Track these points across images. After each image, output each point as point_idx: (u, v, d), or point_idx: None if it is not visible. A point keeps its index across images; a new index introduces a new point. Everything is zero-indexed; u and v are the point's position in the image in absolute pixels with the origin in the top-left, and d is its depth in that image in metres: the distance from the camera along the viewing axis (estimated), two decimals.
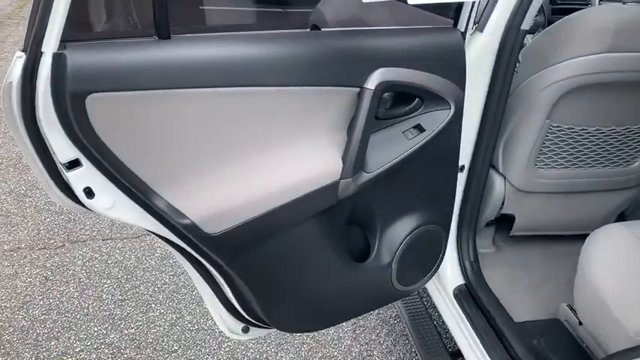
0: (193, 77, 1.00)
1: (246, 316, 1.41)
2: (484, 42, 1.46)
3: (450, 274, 1.77)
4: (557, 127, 1.65)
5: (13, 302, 2.27)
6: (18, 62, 0.88)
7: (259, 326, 1.47)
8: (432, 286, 1.85)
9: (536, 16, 2.43)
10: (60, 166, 1.02)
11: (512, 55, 1.45)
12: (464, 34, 1.33)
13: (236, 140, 1.10)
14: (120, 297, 2.33)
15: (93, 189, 1.04)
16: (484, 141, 1.60)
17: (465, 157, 1.64)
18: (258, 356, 2.07)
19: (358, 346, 2.14)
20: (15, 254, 2.56)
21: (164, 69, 0.97)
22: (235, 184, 1.12)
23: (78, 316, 2.21)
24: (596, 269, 1.32)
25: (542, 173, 1.75)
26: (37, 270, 2.46)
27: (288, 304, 1.35)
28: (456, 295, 1.72)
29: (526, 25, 1.43)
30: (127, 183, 1.04)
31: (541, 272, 1.86)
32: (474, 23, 1.51)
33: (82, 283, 2.40)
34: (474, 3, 1.29)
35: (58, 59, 0.88)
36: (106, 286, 2.39)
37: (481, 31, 1.46)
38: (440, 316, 1.82)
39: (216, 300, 1.39)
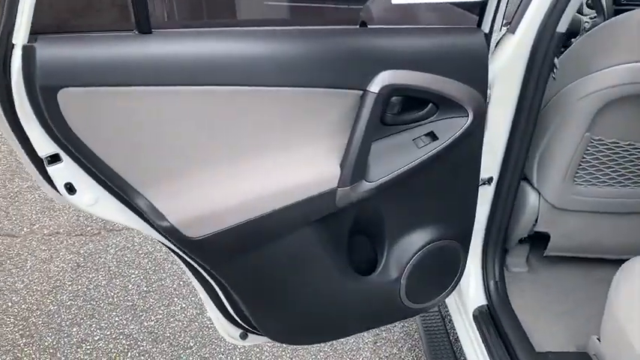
0: (175, 74, 0.95)
1: (241, 323, 1.36)
2: (515, 45, 1.33)
3: (472, 293, 1.65)
4: (599, 140, 1.49)
5: (44, 286, 2.34)
6: None
7: (257, 333, 1.41)
8: (452, 303, 1.74)
9: (595, 17, 2.24)
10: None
11: (545, 60, 1.32)
12: (488, 35, 1.21)
13: (223, 142, 1.04)
14: (145, 288, 2.35)
15: (74, 185, 1.02)
16: (514, 152, 1.47)
17: (493, 169, 1.52)
18: None
19: (377, 359, 2.05)
20: (53, 239, 2.64)
21: (144, 65, 0.93)
22: (221, 188, 1.06)
23: (102, 305, 2.25)
24: (622, 303, 1.17)
25: (581, 190, 1.59)
26: (71, 256, 2.52)
27: (281, 315, 1.28)
28: (475, 317, 1.60)
29: (562, 26, 1.29)
30: (107, 180, 1.01)
31: (576, 298, 1.70)
32: (506, 24, 1.39)
33: (111, 272, 2.43)
34: (499, 1, 1.17)
35: (28, 52, 0.85)
36: (134, 276, 2.42)
37: (513, 32, 1.34)
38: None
39: (213, 304, 1.34)
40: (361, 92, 1.09)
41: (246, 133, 1.05)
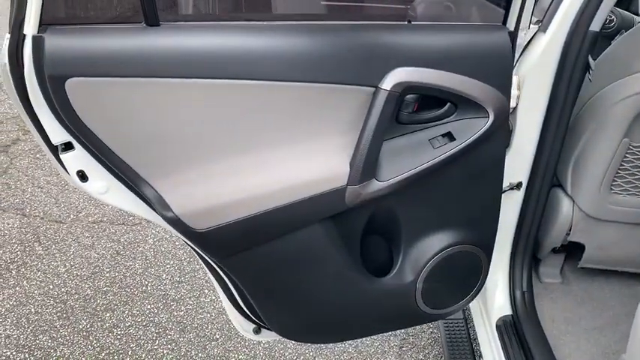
0: (183, 67, 0.96)
1: (253, 317, 1.36)
2: (546, 44, 1.27)
3: (497, 302, 1.59)
4: (639, 147, 1.40)
5: (84, 271, 2.43)
6: (5, 43, 0.90)
7: (269, 328, 1.41)
8: (476, 311, 1.68)
9: None
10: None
11: (578, 60, 1.25)
12: (513, 33, 1.15)
13: (231, 135, 1.04)
14: (178, 279, 2.40)
15: (86, 173, 1.05)
16: (544, 156, 1.40)
17: (522, 174, 1.46)
18: (295, 357, 2.02)
19: None
20: (96, 226, 2.74)
21: (151, 56, 0.94)
22: (228, 181, 1.06)
23: (136, 292, 2.32)
24: None
25: (619, 200, 1.50)
26: (112, 244, 2.61)
27: (289, 311, 1.27)
28: (498, 327, 1.54)
29: (596, 25, 1.22)
30: (117, 170, 1.03)
31: (610, 314, 1.60)
32: (537, 22, 1.33)
33: (148, 261, 2.50)
34: None
35: (37, 42, 0.88)
36: (168, 266, 2.48)
37: (544, 31, 1.28)
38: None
39: (226, 297, 1.35)
40: (374, 89, 1.07)
41: (255, 127, 1.05)
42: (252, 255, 1.15)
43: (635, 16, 2.05)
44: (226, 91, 1.00)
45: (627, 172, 1.45)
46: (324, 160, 1.11)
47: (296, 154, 1.09)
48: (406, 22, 1.20)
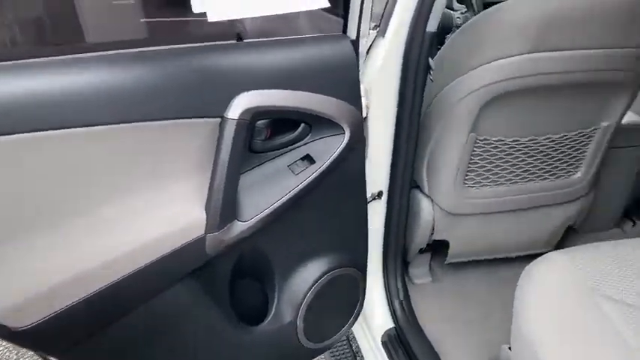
0: None
1: None
2: (387, 48, 1.23)
3: (377, 317, 1.54)
4: (485, 140, 1.43)
5: None
6: None
7: None
8: (359, 330, 1.62)
9: (465, 12, 2.23)
10: None
11: (420, 61, 1.23)
12: (355, 41, 1.09)
13: (49, 200, 0.82)
14: None
15: None
16: (401, 161, 1.37)
17: (381, 183, 1.41)
18: None
19: None
20: None
21: None
22: (53, 258, 0.84)
23: None
24: (529, 311, 1.09)
25: (474, 193, 1.53)
26: None
27: None
28: (384, 342, 1.49)
29: (432, 25, 1.20)
30: None
31: (483, 304, 1.64)
32: (375, 27, 1.29)
33: None
34: (362, 2, 1.06)
35: None
36: None
37: (383, 36, 1.23)
38: None
39: None
40: (219, 120, 0.92)
41: (80, 185, 0.84)
42: (99, 339, 0.94)
43: (452, 12, 2.16)
44: (35, 147, 0.78)
45: (477, 165, 1.48)
46: (175, 210, 0.94)
47: (138, 208, 0.90)
48: (235, 41, 1.06)
